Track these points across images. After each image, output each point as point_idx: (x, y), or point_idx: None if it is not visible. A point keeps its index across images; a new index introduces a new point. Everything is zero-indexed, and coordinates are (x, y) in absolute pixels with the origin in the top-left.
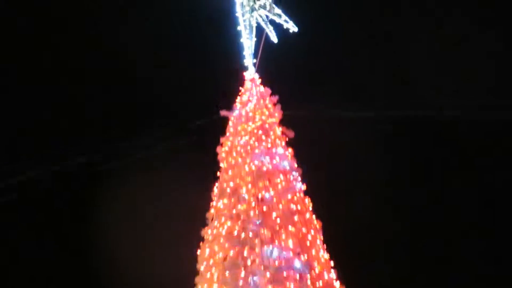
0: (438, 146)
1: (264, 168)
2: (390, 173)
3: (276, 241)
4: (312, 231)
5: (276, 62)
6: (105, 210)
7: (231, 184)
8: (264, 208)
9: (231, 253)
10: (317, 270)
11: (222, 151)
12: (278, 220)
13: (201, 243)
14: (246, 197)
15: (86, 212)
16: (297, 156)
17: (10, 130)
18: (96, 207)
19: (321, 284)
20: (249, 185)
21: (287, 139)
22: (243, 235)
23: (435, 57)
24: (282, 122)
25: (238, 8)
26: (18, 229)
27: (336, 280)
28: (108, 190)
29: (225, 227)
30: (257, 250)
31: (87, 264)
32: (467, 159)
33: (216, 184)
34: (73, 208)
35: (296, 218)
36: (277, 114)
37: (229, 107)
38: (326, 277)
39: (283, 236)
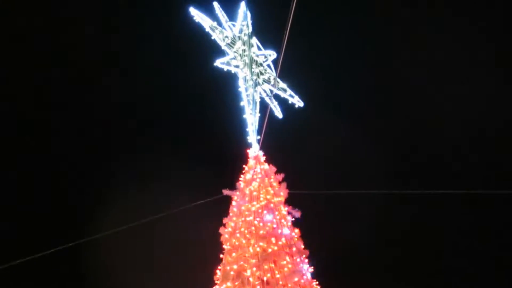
0: None
1: (270, 250)
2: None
3: None
4: None
5: (281, 139)
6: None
7: (235, 266)
8: None
9: None
10: None
11: (225, 232)
12: None
13: None
14: (251, 280)
15: None
16: (304, 236)
17: None
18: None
19: None
20: (254, 268)
21: (293, 219)
22: None
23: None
24: (288, 201)
25: (241, 83)
26: None
27: None
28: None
29: None
30: None
31: None
32: None
33: (219, 266)
34: None
35: None
36: (283, 193)
37: (232, 186)
38: None
39: None
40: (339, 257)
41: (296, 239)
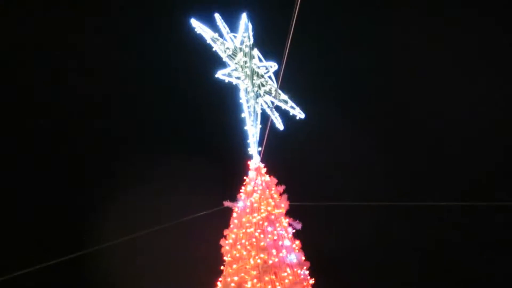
0: None
1: (270, 262)
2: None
3: None
4: None
5: (283, 150)
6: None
7: (236, 278)
8: None
9: None
10: None
11: (226, 244)
12: None
13: None
14: None
15: None
16: (305, 248)
17: None
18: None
19: None
20: (255, 280)
21: (294, 231)
22: None
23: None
24: (289, 213)
25: (242, 95)
26: None
27: None
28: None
29: None
30: None
31: None
32: None
33: (220, 278)
34: None
35: None
36: (284, 205)
37: (233, 197)
38: None
39: None
40: (340, 268)
41: (297, 250)
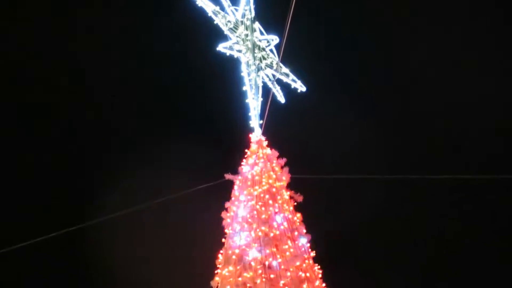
0: None
1: (271, 234)
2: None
3: None
4: None
5: (284, 123)
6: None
7: (237, 251)
8: (272, 276)
9: None
10: None
11: (227, 217)
12: None
13: None
14: (253, 264)
15: None
16: (306, 221)
17: None
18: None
19: None
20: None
21: (295, 204)
22: None
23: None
24: (290, 186)
25: (243, 68)
26: None
27: None
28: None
29: None
30: None
31: None
32: None
33: (221, 251)
34: None
35: (305, 286)
36: (285, 178)
37: (234, 170)
38: None
39: None
40: (341, 242)
41: (298, 223)
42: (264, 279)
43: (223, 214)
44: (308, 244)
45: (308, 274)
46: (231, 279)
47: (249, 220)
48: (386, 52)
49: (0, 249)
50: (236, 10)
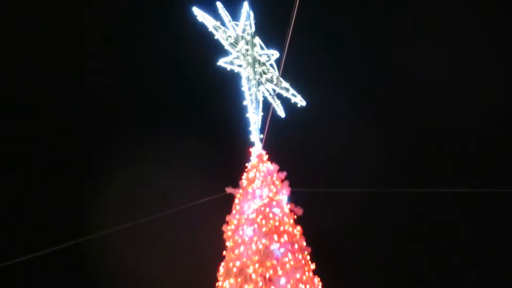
0: None
1: (272, 247)
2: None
3: None
4: None
5: (284, 138)
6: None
7: (238, 263)
8: None
9: None
10: None
11: (228, 230)
12: None
13: None
14: (254, 276)
15: None
16: (306, 234)
17: None
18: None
19: None
20: (256, 265)
21: (295, 217)
22: None
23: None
24: (290, 199)
25: (244, 82)
26: None
27: None
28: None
29: None
30: None
31: None
32: None
33: (222, 263)
34: None
35: None
36: (285, 191)
37: (235, 184)
38: None
39: None
40: (340, 253)
41: (298, 236)
42: None
43: (224, 228)
44: (308, 257)
45: (308, 287)
46: None
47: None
48: (387, 67)
49: None
50: (237, 25)
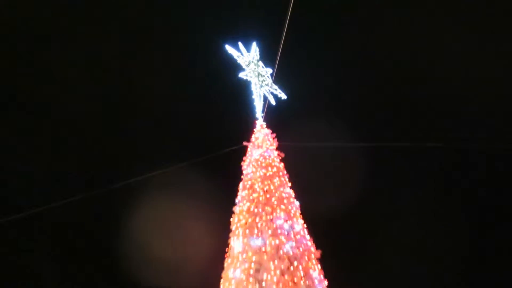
0: None
1: (268, 174)
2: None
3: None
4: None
5: (275, 115)
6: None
7: (249, 182)
8: (268, 196)
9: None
10: None
11: (244, 164)
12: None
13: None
14: (258, 189)
15: None
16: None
17: None
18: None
19: None
20: (259, 183)
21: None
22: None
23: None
24: (278, 148)
25: (252, 86)
26: None
27: None
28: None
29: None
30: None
31: None
32: None
33: (240, 184)
34: None
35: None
36: (275, 144)
37: (248, 140)
38: None
39: None
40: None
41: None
42: (261, 199)
43: (242, 163)
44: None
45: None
46: (245, 199)
47: (257, 166)
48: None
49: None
50: (249, 54)
